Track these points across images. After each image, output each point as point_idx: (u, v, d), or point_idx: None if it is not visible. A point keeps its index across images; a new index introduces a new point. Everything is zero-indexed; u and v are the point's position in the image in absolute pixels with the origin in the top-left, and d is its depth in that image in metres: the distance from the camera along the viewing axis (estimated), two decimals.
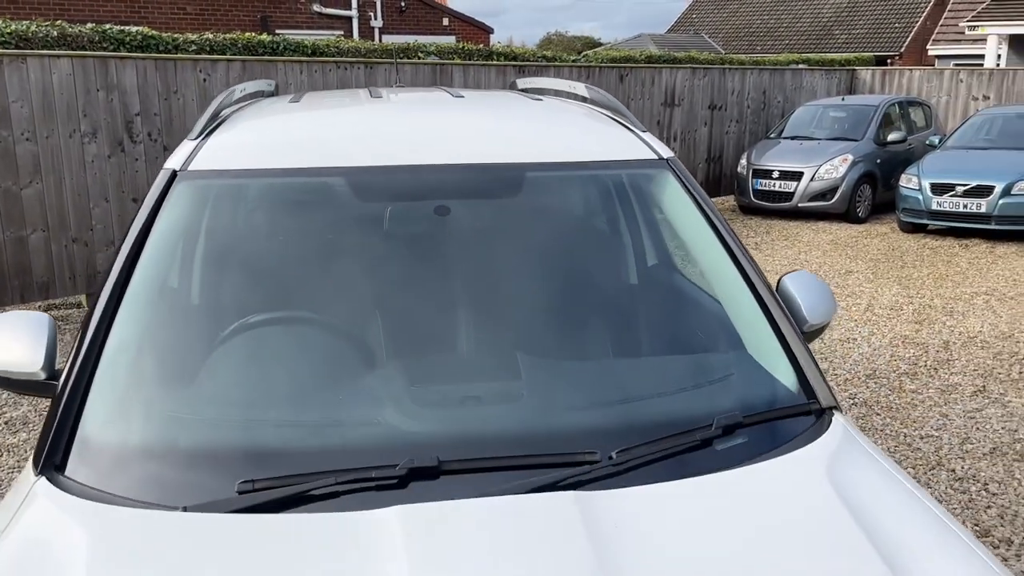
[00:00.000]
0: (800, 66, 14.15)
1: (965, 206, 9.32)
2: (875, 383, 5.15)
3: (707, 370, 1.88)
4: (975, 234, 9.66)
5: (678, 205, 2.13)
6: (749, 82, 12.62)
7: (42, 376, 1.75)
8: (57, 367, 1.79)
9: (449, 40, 15.29)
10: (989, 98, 13.18)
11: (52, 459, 1.54)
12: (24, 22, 7.16)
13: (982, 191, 9.23)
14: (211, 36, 8.05)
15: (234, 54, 8.08)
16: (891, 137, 11.41)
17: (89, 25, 7.56)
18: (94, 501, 1.44)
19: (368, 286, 1.91)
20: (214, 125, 2.21)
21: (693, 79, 11.78)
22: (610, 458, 1.51)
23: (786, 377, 1.82)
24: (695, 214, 2.10)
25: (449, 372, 1.75)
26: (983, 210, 9.19)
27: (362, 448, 1.55)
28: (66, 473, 1.52)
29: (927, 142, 11.23)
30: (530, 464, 1.50)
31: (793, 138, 11.56)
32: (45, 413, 4.65)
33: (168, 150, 7.29)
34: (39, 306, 6.90)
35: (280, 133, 2.19)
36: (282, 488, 1.43)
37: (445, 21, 19.06)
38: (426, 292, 1.88)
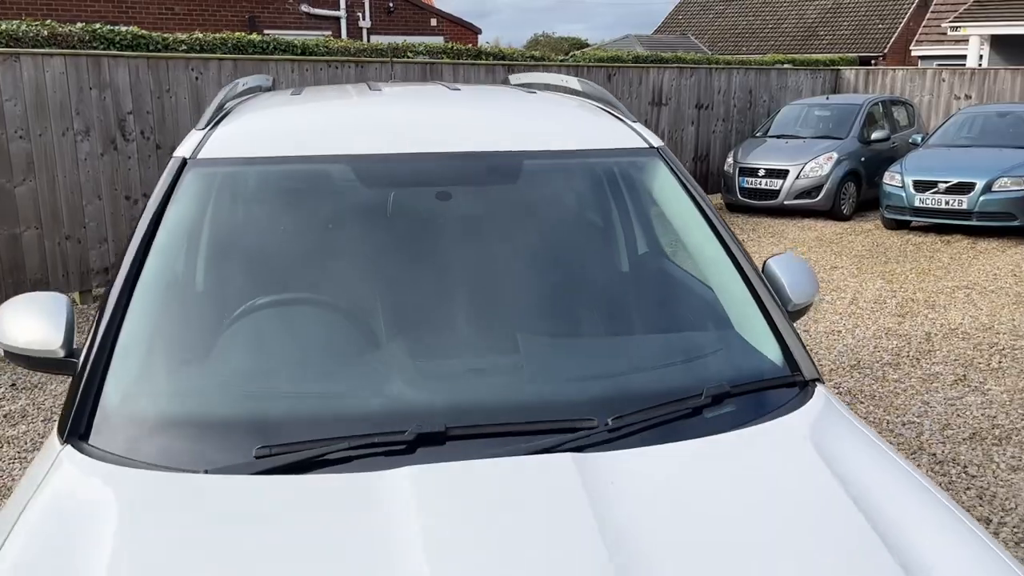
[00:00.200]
0: (785, 66, 14.31)
1: (947, 203, 9.48)
2: (859, 373, 5.27)
3: (697, 345, 1.98)
4: (957, 230, 9.82)
5: (668, 191, 2.23)
6: (735, 82, 12.77)
7: (61, 354, 1.83)
8: (75, 346, 1.87)
9: (437, 40, 15.36)
10: (971, 97, 13.38)
11: (77, 429, 1.62)
12: (14, 22, 7.18)
13: (963, 188, 9.40)
14: (201, 36, 8.10)
15: (224, 53, 8.13)
16: (875, 135, 11.57)
17: (79, 25, 7.59)
18: (119, 465, 1.52)
19: (374, 268, 1.99)
20: (220, 116, 2.29)
21: (680, 79, 11.91)
22: (606, 424, 1.60)
23: (772, 352, 1.92)
24: (685, 199, 2.19)
25: (452, 346, 1.84)
26: (964, 206, 9.36)
27: (371, 417, 1.64)
28: (90, 441, 1.60)
29: (910, 140, 11.40)
30: (531, 430, 1.59)
31: (779, 137, 11.72)
32: (43, 408, 4.71)
33: (161, 148, 7.34)
34: None
35: (286, 123, 2.28)
36: (298, 453, 1.51)
37: (433, 22, 19.13)
38: (429, 273, 1.97)
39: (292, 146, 2.08)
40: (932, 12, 22.74)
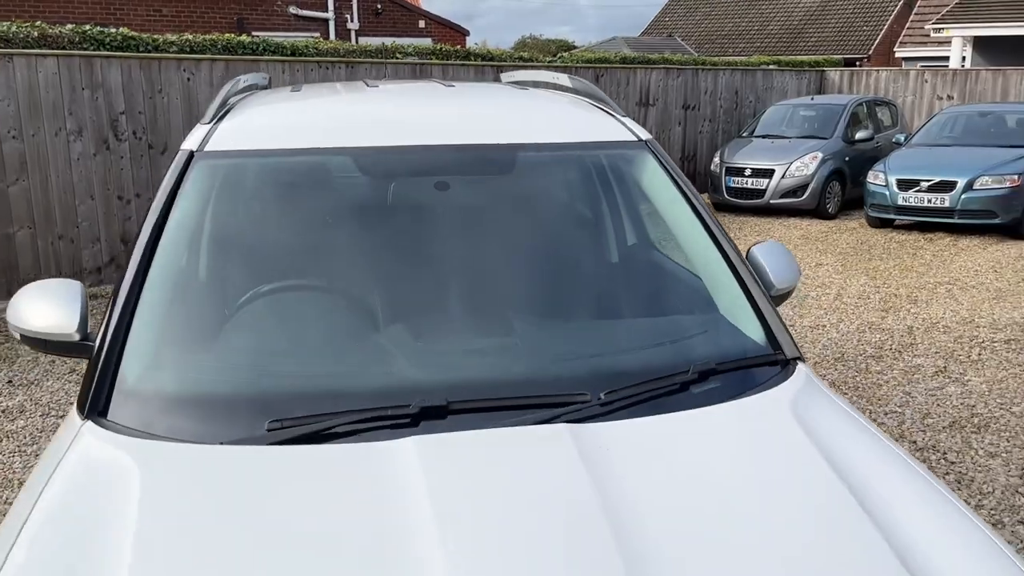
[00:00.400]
0: (771, 67, 14.48)
1: (929, 201, 9.64)
2: (843, 366, 5.39)
3: (684, 327, 2.08)
4: (939, 228, 9.98)
5: (656, 181, 2.33)
6: (722, 82, 12.91)
7: (76, 338, 1.91)
8: (88, 330, 1.95)
9: (425, 42, 15.45)
10: (953, 98, 13.58)
11: (96, 406, 1.70)
12: (4, 23, 7.22)
13: (945, 186, 9.56)
14: (191, 37, 8.15)
15: (215, 54, 8.18)
16: (859, 135, 11.74)
17: (69, 26, 7.64)
18: (138, 437, 1.60)
19: (376, 254, 2.08)
20: (224, 111, 2.37)
21: (667, 79, 12.04)
22: (599, 398, 1.69)
23: (755, 333, 2.02)
24: (672, 190, 2.29)
25: (452, 327, 1.93)
26: (947, 204, 9.52)
27: (376, 394, 1.72)
28: (109, 417, 1.68)
29: (893, 140, 11.58)
30: (527, 404, 1.68)
31: (765, 137, 11.87)
32: (41, 403, 4.76)
33: (153, 148, 7.40)
34: None
35: (288, 117, 2.36)
36: (307, 425, 1.60)
37: (421, 23, 19.20)
38: (429, 259, 2.06)
39: (295, 139, 2.17)
40: (916, 14, 23.02)
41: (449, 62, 9.73)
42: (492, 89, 2.88)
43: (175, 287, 1.96)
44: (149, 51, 7.71)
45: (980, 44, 18.09)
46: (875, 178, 10.15)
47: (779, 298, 2.30)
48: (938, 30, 18.10)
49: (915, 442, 4.23)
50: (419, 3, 21.63)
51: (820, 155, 11.06)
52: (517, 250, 2.14)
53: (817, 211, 11.01)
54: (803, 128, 11.86)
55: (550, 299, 2.06)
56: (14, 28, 7.20)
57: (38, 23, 7.66)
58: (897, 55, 23.00)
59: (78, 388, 4.98)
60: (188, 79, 7.54)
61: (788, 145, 11.41)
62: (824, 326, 6.24)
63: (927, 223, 9.92)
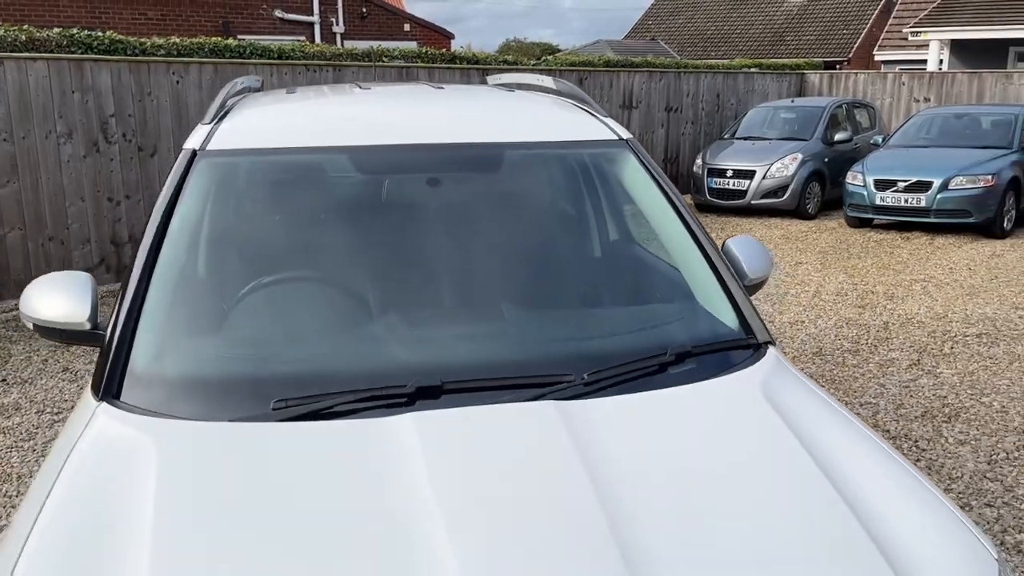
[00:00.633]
0: (752, 70, 14.69)
1: (906, 201, 9.85)
2: (821, 359, 5.55)
3: (662, 314, 2.21)
4: (916, 227, 10.20)
5: (637, 178, 2.46)
6: (704, 85, 13.10)
7: (87, 327, 2.02)
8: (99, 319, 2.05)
9: (410, 45, 15.58)
10: (929, 100, 13.84)
11: (110, 388, 1.81)
12: None
13: (922, 186, 9.77)
14: (178, 40, 8.23)
15: (203, 57, 8.26)
16: (838, 137, 11.96)
17: (56, 29, 7.70)
18: (151, 416, 1.71)
19: (371, 246, 2.20)
20: (224, 112, 2.49)
21: (650, 82, 12.21)
22: (583, 378, 1.82)
23: (729, 319, 2.15)
24: (651, 186, 2.43)
25: (445, 314, 2.05)
26: (923, 204, 9.73)
27: (374, 376, 1.84)
28: (122, 399, 1.79)
29: (871, 141, 11.80)
30: (515, 384, 1.81)
31: (746, 138, 12.06)
32: (36, 401, 4.84)
33: (143, 150, 7.47)
34: (14, 304, 7.01)
35: (286, 117, 2.48)
36: (311, 404, 1.71)
37: (406, 27, 19.30)
38: (423, 250, 2.18)
39: (294, 138, 2.29)
40: (894, 18, 23.36)
41: (435, 65, 9.85)
42: (480, 91, 3.01)
43: (181, 277, 2.07)
44: (137, 54, 7.78)
45: (957, 47, 18.41)
46: (854, 179, 10.36)
47: (752, 287, 2.44)
48: (916, 33, 18.40)
49: (888, 431, 4.38)
50: (404, 7, 21.73)
51: (800, 156, 11.27)
52: (505, 242, 2.27)
53: (797, 211, 11.20)
54: (783, 130, 12.07)
55: (537, 288, 2.19)
56: (1, 32, 7.25)
57: (25, 27, 7.71)
58: (876, 58, 23.33)
59: (72, 386, 5.06)
60: (177, 82, 7.62)
61: (769, 147, 11.61)
62: (803, 322, 6.40)
63: (904, 222, 10.14)
